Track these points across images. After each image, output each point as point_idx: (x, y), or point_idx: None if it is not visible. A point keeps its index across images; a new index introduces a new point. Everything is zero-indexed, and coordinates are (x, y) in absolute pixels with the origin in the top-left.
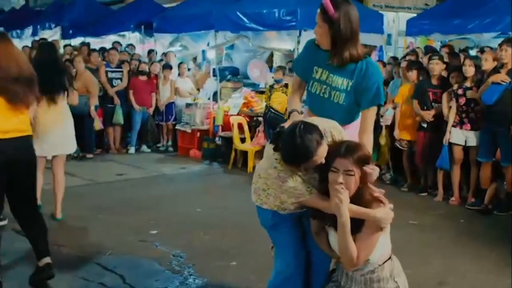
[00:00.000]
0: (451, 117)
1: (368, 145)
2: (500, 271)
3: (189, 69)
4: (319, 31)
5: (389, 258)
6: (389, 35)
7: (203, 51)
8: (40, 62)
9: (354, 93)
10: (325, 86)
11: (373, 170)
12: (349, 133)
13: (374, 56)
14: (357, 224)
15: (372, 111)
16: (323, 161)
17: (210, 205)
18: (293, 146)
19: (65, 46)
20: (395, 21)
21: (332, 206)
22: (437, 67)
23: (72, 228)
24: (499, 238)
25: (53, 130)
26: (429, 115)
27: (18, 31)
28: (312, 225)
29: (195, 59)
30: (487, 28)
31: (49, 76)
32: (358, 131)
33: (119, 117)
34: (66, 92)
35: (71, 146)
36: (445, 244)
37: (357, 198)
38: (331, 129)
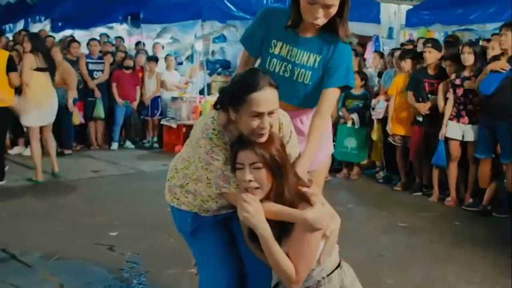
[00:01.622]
0: (448, 110)
1: (320, 129)
2: (493, 281)
3: (181, 63)
4: (331, 11)
5: (338, 266)
6: (391, 29)
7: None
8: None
9: (322, 70)
10: (285, 63)
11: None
12: (305, 122)
13: (370, 47)
14: (286, 227)
15: (337, 92)
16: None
17: None
18: (241, 78)
19: (46, 37)
20: (397, 14)
21: (240, 218)
22: (430, 56)
23: (24, 228)
24: (496, 243)
25: (47, 104)
26: (424, 107)
27: (11, 25)
28: (243, 228)
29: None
30: (491, 18)
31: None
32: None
33: (99, 111)
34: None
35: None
36: (435, 250)
37: (276, 196)
38: (279, 115)
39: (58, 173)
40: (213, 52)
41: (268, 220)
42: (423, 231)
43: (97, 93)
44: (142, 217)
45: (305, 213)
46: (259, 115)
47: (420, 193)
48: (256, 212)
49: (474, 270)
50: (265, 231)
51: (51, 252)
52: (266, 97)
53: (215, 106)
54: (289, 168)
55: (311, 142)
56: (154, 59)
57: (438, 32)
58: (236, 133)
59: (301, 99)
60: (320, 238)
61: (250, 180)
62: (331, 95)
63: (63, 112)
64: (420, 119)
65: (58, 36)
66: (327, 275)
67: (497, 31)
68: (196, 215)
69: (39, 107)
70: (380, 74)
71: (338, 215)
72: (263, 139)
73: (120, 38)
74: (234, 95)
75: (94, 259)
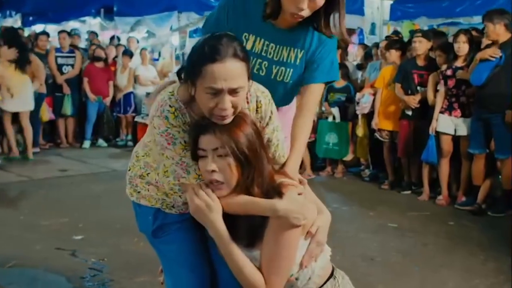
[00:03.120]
0: (439, 102)
1: (306, 132)
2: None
3: (157, 59)
4: (318, 3)
5: (331, 275)
6: (373, 24)
7: None
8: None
9: (305, 66)
10: (260, 61)
11: None
12: (290, 117)
13: (354, 40)
14: (259, 227)
15: (321, 88)
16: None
17: None
18: (200, 43)
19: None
20: (380, 9)
21: (192, 211)
22: (420, 46)
23: None
24: (495, 245)
25: (20, 92)
26: (414, 100)
27: None
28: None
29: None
30: (478, 10)
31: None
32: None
33: (66, 107)
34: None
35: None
36: (430, 252)
37: (244, 191)
38: (257, 92)
39: (31, 159)
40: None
41: (235, 219)
42: (415, 232)
43: (66, 89)
44: (110, 219)
45: (275, 203)
46: (217, 92)
47: (409, 192)
48: (209, 206)
49: (476, 276)
50: (220, 231)
51: (5, 258)
52: (227, 71)
53: (178, 75)
54: (263, 157)
55: (298, 147)
56: (128, 53)
57: (423, 26)
58: (201, 112)
59: (280, 99)
60: (298, 239)
61: (213, 171)
62: (315, 91)
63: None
64: (410, 113)
65: (30, 31)
66: (320, 287)
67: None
68: (158, 211)
69: (13, 94)
70: (359, 67)
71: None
72: (226, 121)
73: (93, 33)
74: (190, 64)
75: (53, 266)
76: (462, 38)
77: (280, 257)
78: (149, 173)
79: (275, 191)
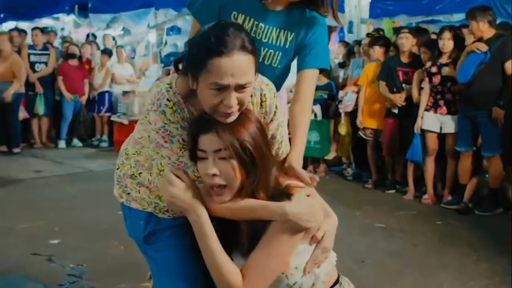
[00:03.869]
0: (424, 100)
1: (306, 121)
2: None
3: (133, 57)
4: None
5: (336, 282)
6: (351, 23)
7: None
8: None
9: (295, 50)
10: None
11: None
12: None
13: (334, 37)
14: (257, 234)
15: (316, 74)
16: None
17: None
18: (204, 33)
19: None
20: (357, 7)
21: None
22: (407, 42)
23: None
24: (486, 245)
25: None
26: (400, 98)
27: None
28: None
29: None
30: (458, 8)
31: None
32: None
33: (39, 107)
34: None
35: None
36: (421, 253)
37: (249, 196)
38: (261, 85)
39: None
40: (166, 43)
41: (237, 222)
42: (404, 232)
43: (38, 88)
44: (88, 222)
45: (284, 205)
46: (223, 88)
47: (393, 191)
48: (185, 188)
49: (470, 277)
50: (201, 217)
51: None
52: (234, 65)
53: (175, 65)
54: (269, 158)
55: (301, 137)
56: (107, 52)
57: (403, 23)
58: (201, 107)
59: None
60: (295, 243)
61: (214, 175)
62: (309, 77)
63: (8, 107)
64: (396, 111)
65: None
66: None
67: (464, 22)
68: (151, 215)
69: None
70: (341, 65)
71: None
72: (230, 119)
73: (66, 38)
74: (192, 56)
75: (29, 273)
76: (447, 35)
77: (268, 256)
78: (141, 173)
79: (282, 194)
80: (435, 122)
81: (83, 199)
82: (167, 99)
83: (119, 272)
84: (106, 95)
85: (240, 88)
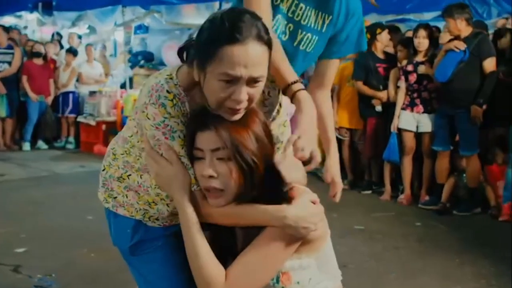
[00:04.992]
0: (400, 99)
1: (330, 106)
2: None
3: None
4: None
5: None
6: None
7: None
8: None
9: (330, 36)
10: (286, 22)
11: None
12: None
13: None
14: (251, 237)
15: (339, 61)
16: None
17: None
18: (215, 19)
19: None
20: None
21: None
22: (386, 38)
23: None
24: (468, 247)
25: None
26: (385, 95)
27: None
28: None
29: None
30: (428, 7)
31: None
32: None
33: (1, 108)
34: None
35: None
36: (403, 257)
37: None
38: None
39: None
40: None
41: (232, 233)
42: (383, 234)
43: (1, 88)
44: (55, 228)
45: (284, 209)
46: (233, 80)
47: (369, 191)
48: (172, 172)
49: (455, 281)
50: (186, 206)
51: None
52: (248, 55)
53: (179, 54)
54: (272, 164)
55: (333, 135)
56: (72, 51)
57: (374, 22)
58: (202, 102)
59: (298, 71)
60: (290, 253)
61: (210, 176)
62: (335, 66)
63: None
64: (380, 109)
65: None
66: None
67: (434, 20)
68: (139, 223)
69: None
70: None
71: None
72: (236, 117)
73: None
74: (201, 43)
75: None
76: (422, 33)
77: (259, 259)
78: (129, 175)
79: (283, 198)
80: (411, 121)
81: (50, 204)
82: (167, 91)
83: (90, 281)
84: (71, 96)
85: (252, 81)
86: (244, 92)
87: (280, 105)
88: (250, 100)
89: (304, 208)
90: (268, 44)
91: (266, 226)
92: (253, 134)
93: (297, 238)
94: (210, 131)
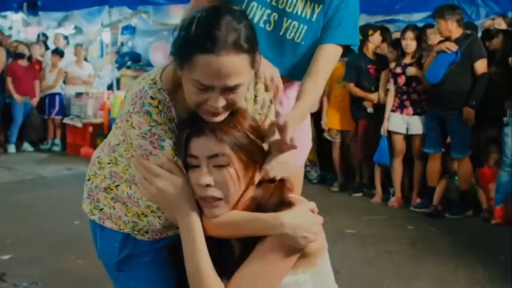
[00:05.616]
0: (389, 102)
1: (314, 95)
2: None
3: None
4: None
5: None
6: None
7: None
8: None
9: (322, 25)
10: (269, 12)
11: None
12: (288, 104)
13: None
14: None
15: (339, 51)
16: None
17: None
18: (193, 19)
19: None
20: None
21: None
22: (379, 39)
23: None
24: (461, 251)
25: None
26: (376, 97)
27: None
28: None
29: None
30: (418, 7)
31: None
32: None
33: None
34: None
35: None
36: (396, 262)
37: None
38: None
39: None
40: (121, 44)
41: (226, 245)
42: (375, 238)
43: None
44: (42, 233)
45: (280, 215)
46: (208, 89)
47: (360, 194)
48: (174, 181)
49: (450, 287)
50: (191, 219)
51: None
52: (222, 67)
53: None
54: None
55: (302, 104)
56: (58, 52)
57: (362, 23)
58: (188, 105)
59: (287, 65)
60: (289, 266)
61: (208, 185)
62: (330, 53)
63: None
64: (371, 110)
65: None
66: None
67: (424, 21)
68: (128, 237)
69: None
70: None
71: None
72: (217, 118)
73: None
74: (179, 41)
75: None
76: (410, 34)
77: (258, 274)
78: (118, 186)
79: (279, 204)
80: (401, 123)
81: (36, 209)
82: (151, 97)
83: None
84: (57, 97)
85: (228, 90)
86: (219, 101)
87: (271, 101)
88: (229, 105)
89: (303, 216)
90: (249, 50)
91: (264, 238)
92: (244, 133)
93: (295, 250)
94: (206, 137)
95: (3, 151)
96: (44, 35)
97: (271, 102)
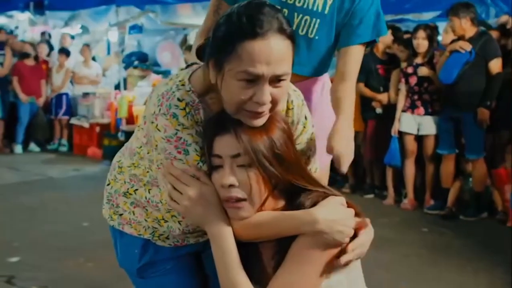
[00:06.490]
0: (400, 102)
1: (351, 96)
2: None
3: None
4: None
5: None
6: None
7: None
8: None
9: (338, 19)
10: (280, 8)
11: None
12: (314, 98)
13: None
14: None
15: (363, 49)
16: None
17: (103, 218)
18: (232, 14)
19: None
20: None
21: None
22: (389, 39)
23: None
24: (480, 254)
25: None
26: (386, 97)
27: None
28: None
29: None
30: (427, 7)
31: None
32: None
33: None
34: None
35: None
36: (413, 265)
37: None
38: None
39: None
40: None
41: (256, 248)
42: (391, 241)
43: None
44: (49, 236)
45: (314, 212)
46: (255, 79)
47: (372, 195)
48: (203, 191)
49: None
50: (223, 229)
51: None
52: (271, 51)
53: (197, 54)
54: (301, 168)
55: (345, 112)
56: (65, 52)
57: None
58: (219, 107)
59: (304, 62)
60: (325, 263)
61: (231, 185)
62: (357, 55)
63: None
64: (380, 111)
65: None
66: None
67: (434, 21)
68: (148, 243)
69: None
70: None
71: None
72: (259, 121)
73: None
74: (218, 39)
75: None
76: (422, 34)
77: (295, 277)
78: (136, 190)
79: (311, 204)
80: (412, 123)
81: (43, 210)
82: (178, 99)
83: None
84: (64, 97)
85: (275, 80)
86: (267, 93)
87: (306, 116)
88: (273, 102)
89: (336, 210)
90: (291, 37)
91: (295, 241)
92: (274, 140)
93: (331, 245)
94: (230, 135)
95: (10, 151)
96: (49, 34)
97: (306, 118)
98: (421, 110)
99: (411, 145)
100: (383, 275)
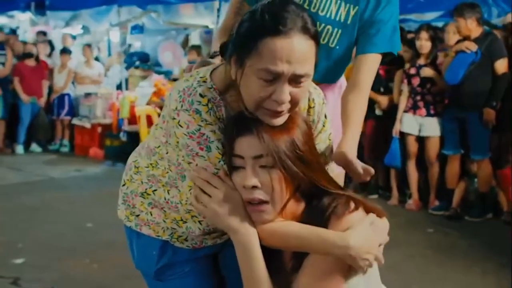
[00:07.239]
0: (402, 103)
1: (362, 108)
2: None
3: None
4: None
5: None
6: None
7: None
8: None
9: (358, 29)
10: None
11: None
12: (331, 100)
13: None
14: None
15: (378, 59)
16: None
17: (106, 218)
18: (256, 11)
19: None
20: None
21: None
22: None
23: None
24: (486, 255)
25: None
26: (385, 100)
27: None
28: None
29: None
30: (430, 7)
31: None
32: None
33: None
34: None
35: None
36: (420, 266)
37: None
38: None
39: None
40: (130, 44)
41: (277, 255)
42: (396, 242)
43: None
44: (54, 237)
45: (349, 237)
46: (275, 77)
47: (376, 196)
48: (230, 200)
49: None
50: (250, 238)
51: None
52: (293, 49)
53: (221, 52)
54: (320, 172)
55: (354, 125)
56: (67, 51)
57: None
58: (239, 105)
59: (321, 71)
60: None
61: (254, 187)
62: (371, 64)
63: None
64: (380, 113)
65: None
66: None
67: (436, 21)
68: (166, 244)
69: None
70: None
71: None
72: (278, 121)
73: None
74: (241, 35)
75: None
76: (424, 35)
77: (318, 279)
78: (155, 190)
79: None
80: (413, 124)
81: (45, 210)
82: (200, 95)
83: None
84: (66, 98)
85: (295, 80)
86: (286, 92)
87: (326, 116)
88: (293, 102)
89: (367, 236)
90: (315, 38)
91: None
92: (295, 140)
93: (352, 270)
94: (252, 136)
95: (11, 152)
96: (44, 33)
97: (325, 117)
98: (423, 111)
99: (412, 146)
100: (391, 275)
